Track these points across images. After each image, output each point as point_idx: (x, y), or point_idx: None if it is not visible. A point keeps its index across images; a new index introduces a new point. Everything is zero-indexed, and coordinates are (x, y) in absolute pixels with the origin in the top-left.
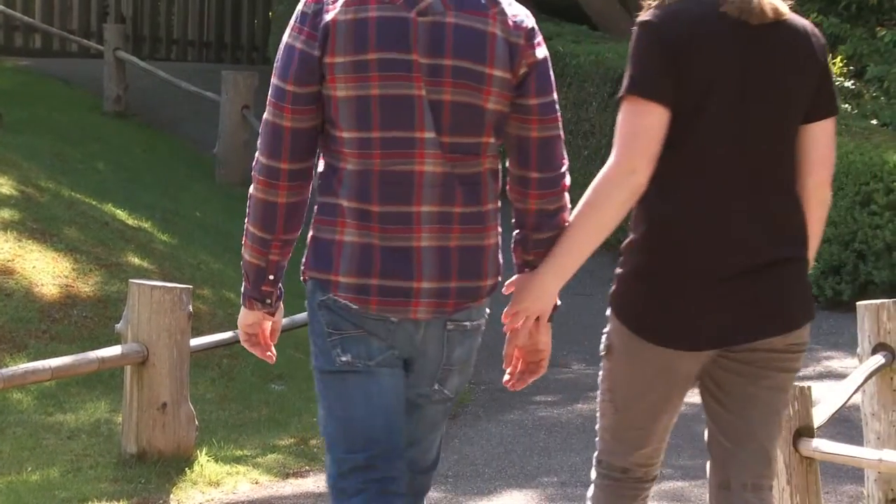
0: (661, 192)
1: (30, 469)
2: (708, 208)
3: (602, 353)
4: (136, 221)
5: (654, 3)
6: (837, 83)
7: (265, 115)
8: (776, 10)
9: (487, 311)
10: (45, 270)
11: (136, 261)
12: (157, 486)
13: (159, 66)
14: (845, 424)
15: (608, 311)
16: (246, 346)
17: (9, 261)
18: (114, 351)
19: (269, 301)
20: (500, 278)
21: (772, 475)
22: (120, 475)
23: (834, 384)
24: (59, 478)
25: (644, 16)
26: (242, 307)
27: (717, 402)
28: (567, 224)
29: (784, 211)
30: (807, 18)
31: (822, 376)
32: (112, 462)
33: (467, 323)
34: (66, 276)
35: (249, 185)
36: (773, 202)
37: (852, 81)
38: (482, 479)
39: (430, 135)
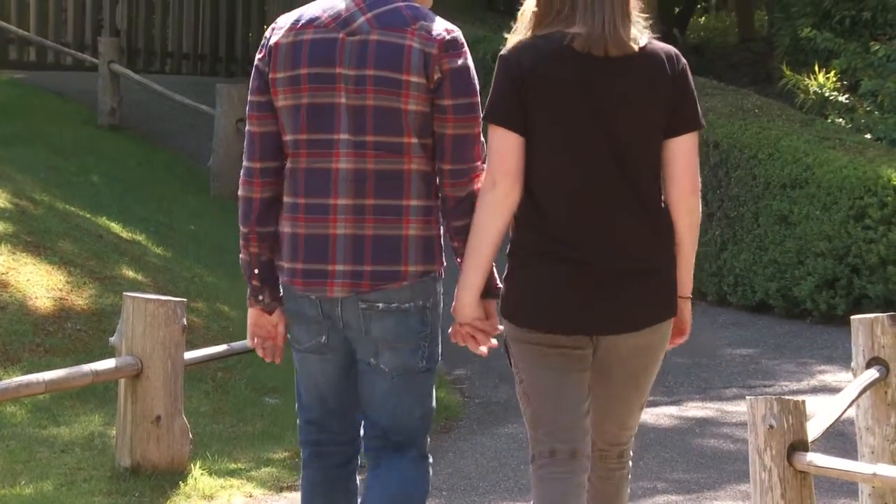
0: (525, 204)
1: (23, 482)
2: (557, 221)
3: (504, 352)
4: (130, 234)
5: (514, 37)
6: (831, 97)
7: (246, 125)
8: (623, 48)
9: (425, 299)
10: (39, 283)
11: (130, 274)
12: (151, 499)
13: (154, 79)
14: (840, 439)
15: (500, 311)
16: (258, 350)
17: (3, 274)
18: (108, 364)
19: (261, 297)
20: (434, 266)
21: (624, 450)
22: (114, 488)
23: (828, 398)
24: (52, 491)
25: (503, 50)
26: (250, 309)
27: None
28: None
29: (636, 229)
30: (801, 33)
31: (816, 390)
32: (106, 475)
33: (380, 304)
34: (61, 289)
35: None
36: (624, 219)
37: (846, 96)
38: (477, 493)
39: (345, 136)
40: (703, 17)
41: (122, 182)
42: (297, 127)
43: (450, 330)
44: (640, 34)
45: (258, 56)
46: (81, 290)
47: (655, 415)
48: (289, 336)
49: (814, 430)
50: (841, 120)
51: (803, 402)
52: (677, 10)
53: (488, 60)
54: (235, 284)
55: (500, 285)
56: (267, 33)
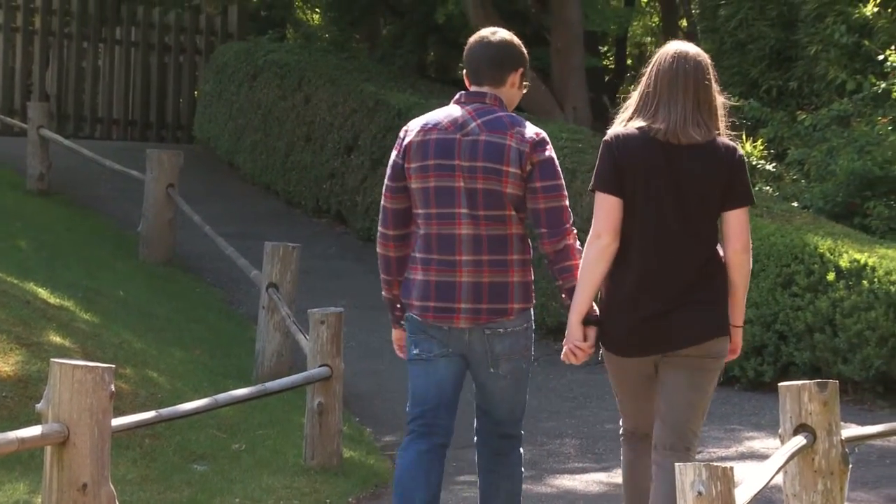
0: (616, 258)
1: None
2: (638, 268)
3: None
4: (57, 300)
5: (615, 127)
6: (759, 166)
7: (382, 201)
8: (689, 138)
9: (526, 322)
10: None
11: (57, 340)
12: None
13: (84, 144)
14: None
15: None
16: (400, 354)
17: None
18: (34, 431)
19: (402, 322)
20: (530, 303)
21: (691, 442)
22: None
23: (756, 465)
24: None
25: (606, 136)
26: (393, 330)
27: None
28: (574, 263)
29: (696, 269)
30: (729, 100)
31: (744, 457)
32: None
33: (500, 329)
34: None
35: (173, 265)
36: (688, 264)
37: (773, 164)
38: None
39: (464, 210)
40: (633, 86)
41: (50, 247)
42: (428, 203)
43: (562, 354)
44: (710, 130)
45: (395, 151)
46: (8, 357)
47: (585, 481)
48: (415, 350)
49: (742, 496)
50: (768, 188)
51: (731, 468)
52: (607, 78)
53: None
54: (164, 350)
55: (597, 314)
56: (401, 134)
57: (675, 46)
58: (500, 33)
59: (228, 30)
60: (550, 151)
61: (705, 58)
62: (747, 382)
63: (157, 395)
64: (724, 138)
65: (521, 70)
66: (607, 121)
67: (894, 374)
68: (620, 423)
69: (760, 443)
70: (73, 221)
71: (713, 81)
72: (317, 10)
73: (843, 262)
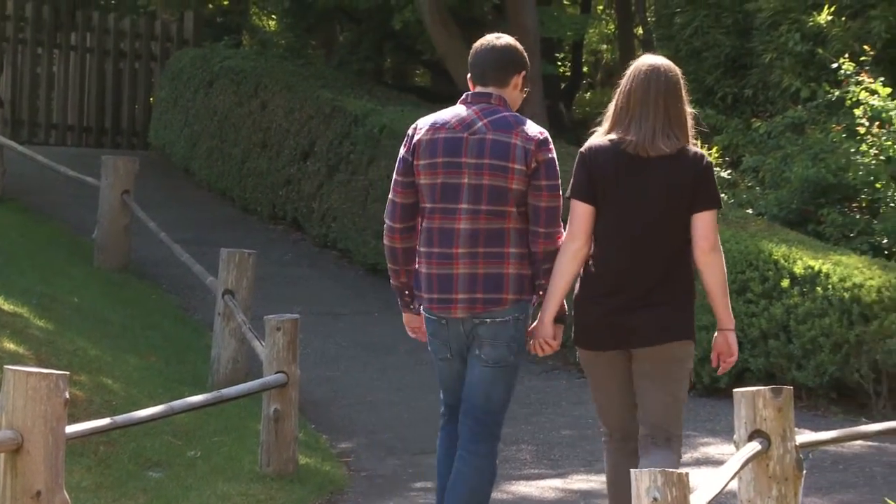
0: (590, 259)
1: None
2: (610, 269)
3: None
4: (12, 307)
5: (592, 139)
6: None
7: (389, 195)
8: (658, 151)
9: (518, 314)
10: None
11: (11, 347)
12: None
13: (38, 150)
14: None
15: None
16: (412, 335)
17: None
18: None
19: (412, 306)
20: (524, 295)
21: (673, 435)
22: None
23: (711, 471)
24: None
25: (582, 148)
26: (403, 314)
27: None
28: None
29: (667, 271)
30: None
31: (699, 463)
32: None
33: (488, 319)
34: None
35: (128, 271)
36: (657, 265)
37: (728, 171)
38: None
39: (465, 205)
40: (589, 93)
41: (3, 254)
42: (434, 198)
43: (529, 341)
44: (680, 141)
45: (403, 149)
46: None
47: (541, 488)
48: (430, 347)
49: (697, 502)
50: (724, 195)
51: (687, 474)
52: (563, 85)
53: (376, 133)
54: (119, 357)
55: (567, 314)
56: (410, 132)
57: (649, 61)
58: (505, 38)
59: (184, 36)
60: (553, 152)
61: (676, 72)
62: (702, 388)
63: (112, 402)
64: (693, 147)
65: (523, 73)
66: (563, 127)
67: (848, 380)
68: (601, 429)
69: (716, 448)
70: (28, 228)
71: (684, 94)
72: (273, 16)
73: (798, 269)
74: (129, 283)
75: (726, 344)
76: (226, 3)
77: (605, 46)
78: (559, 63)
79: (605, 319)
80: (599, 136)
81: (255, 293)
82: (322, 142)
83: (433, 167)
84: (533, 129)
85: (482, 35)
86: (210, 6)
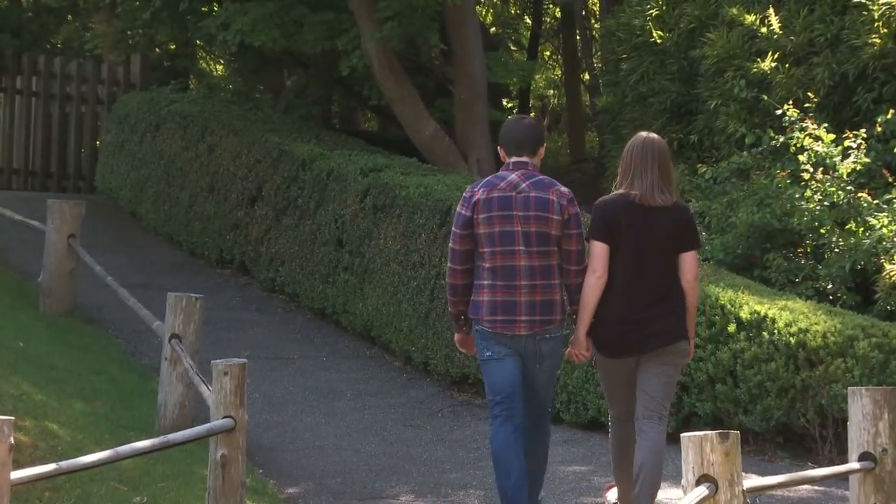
0: (606, 287)
1: None
2: (620, 293)
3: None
4: None
5: (606, 196)
6: None
7: (450, 244)
8: (660, 202)
9: (563, 331)
10: None
11: None
12: None
13: None
14: None
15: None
16: (461, 349)
17: None
18: None
19: (465, 329)
20: (564, 315)
21: (663, 414)
22: None
23: None
24: None
25: (597, 202)
26: (456, 335)
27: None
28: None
29: (664, 295)
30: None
31: None
32: None
33: (547, 335)
34: None
35: (74, 316)
36: (658, 290)
37: None
38: None
39: (522, 248)
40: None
41: None
42: (493, 243)
43: (566, 351)
44: (671, 196)
45: (463, 207)
46: None
47: None
48: (488, 353)
49: None
50: None
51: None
52: None
53: (323, 178)
54: (65, 402)
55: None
56: (466, 194)
57: (644, 136)
58: (529, 118)
59: (131, 80)
60: (577, 206)
61: (664, 143)
62: None
63: (58, 448)
64: (681, 201)
65: (545, 144)
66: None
67: (794, 424)
68: (609, 410)
69: (663, 493)
70: None
71: (670, 160)
72: (220, 60)
73: (744, 314)
74: (75, 327)
75: (692, 347)
76: (173, 47)
77: (551, 92)
78: (506, 108)
79: (624, 334)
80: (612, 193)
81: (202, 337)
82: (270, 186)
83: (490, 220)
84: (563, 189)
85: (430, 80)
86: (157, 50)
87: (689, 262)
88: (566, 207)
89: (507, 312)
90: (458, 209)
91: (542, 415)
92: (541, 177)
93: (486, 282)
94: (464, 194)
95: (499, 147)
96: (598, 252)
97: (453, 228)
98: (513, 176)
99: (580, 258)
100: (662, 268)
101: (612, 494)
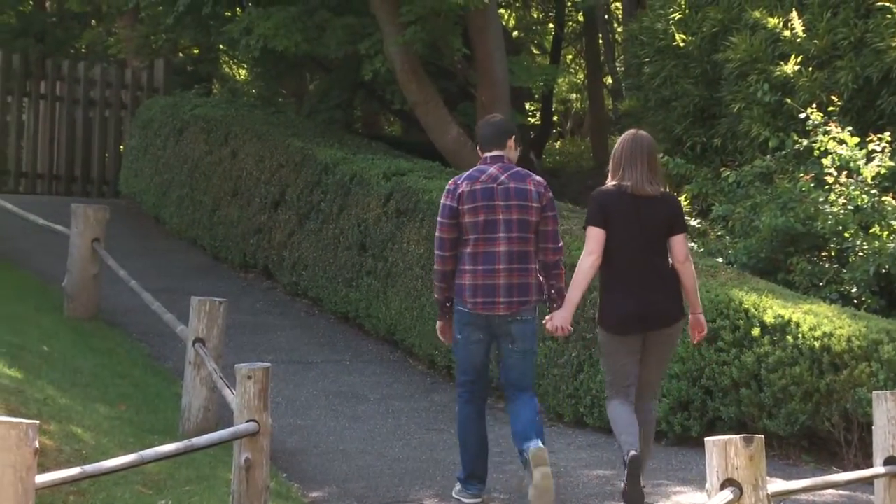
0: (604, 268)
1: None
2: (621, 275)
3: (599, 343)
4: None
5: (600, 188)
6: None
7: (437, 233)
8: (648, 191)
9: (535, 312)
10: None
11: None
12: None
13: (8, 198)
14: None
15: (597, 322)
16: (441, 337)
17: None
18: None
19: (448, 316)
20: (541, 296)
21: (657, 394)
22: None
23: None
24: None
25: (594, 193)
26: (438, 322)
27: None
28: (562, 272)
29: (661, 275)
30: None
31: None
32: None
33: (519, 317)
34: None
35: (98, 320)
36: (655, 272)
37: (698, 220)
38: None
39: (502, 234)
40: (559, 142)
41: None
42: (477, 231)
43: (547, 325)
44: (658, 187)
45: (448, 198)
46: None
47: None
48: (459, 336)
49: None
50: (693, 244)
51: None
52: (533, 134)
53: (346, 181)
54: (89, 406)
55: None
56: (450, 186)
57: (633, 132)
58: (498, 117)
59: (154, 84)
60: (550, 191)
61: (652, 139)
62: (674, 437)
63: (82, 452)
64: (668, 192)
65: (513, 136)
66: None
67: (819, 429)
68: (607, 391)
69: (687, 497)
70: None
71: (657, 155)
72: (243, 65)
73: (768, 318)
74: (99, 331)
75: (699, 322)
76: (196, 51)
77: (574, 96)
78: (529, 112)
79: (631, 313)
80: (605, 185)
81: (225, 341)
82: (292, 190)
83: (475, 210)
84: (537, 178)
85: (452, 84)
86: (180, 55)
87: (678, 244)
88: (543, 194)
89: (487, 294)
90: (443, 201)
91: (521, 391)
92: (517, 168)
93: (468, 266)
94: (448, 186)
95: (477, 146)
96: (594, 236)
97: (439, 219)
98: (492, 169)
99: (556, 237)
100: (655, 251)
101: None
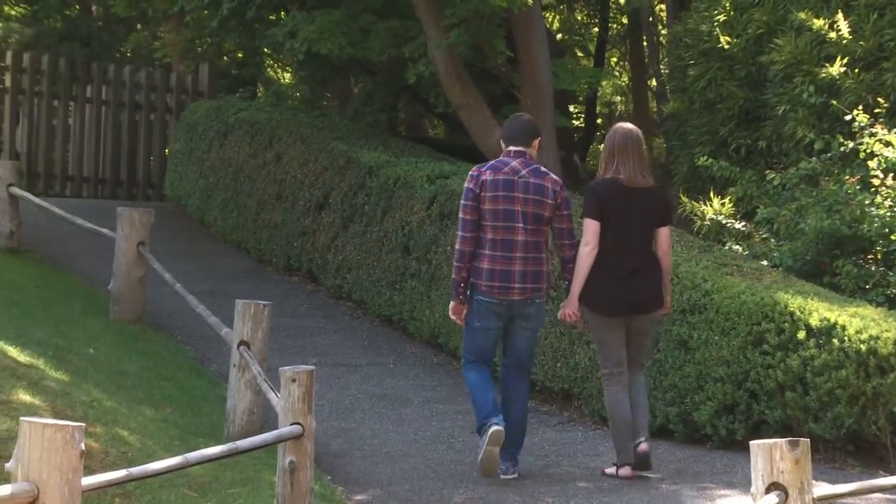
0: (598, 257)
1: None
2: (613, 262)
3: (586, 323)
4: (27, 358)
5: (596, 180)
6: (728, 224)
7: (460, 215)
8: (641, 183)
9: (545, 300)
10: None
11: (27, 398)
12: None
13: (54, 202)
14: None
15: (583, 303)
16: (453, 317)
17: None
18: (3, 490)
19: (462, 297)
20: (549, 284)
21: (643, 368)
22: None
23: None
24: None
25: (591, 185)
26: (452, 302)
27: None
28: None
29: (648, 264)
30: (697, 161)
31: None
32: None
33: (533, 300)
34: None
35: (143, 322)
36: (643, 261)
37: (743, 223)
38: None
39: (520, 224)
40: (603, 145)
41: (19, 305)
42: (496, 218)
43: (560, 312)
44: (649, 179)
45: (471, 182)
46: None
47: None
48: (478, 324)
49: None
50: (738, 247)
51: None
52: (577, 137)
53: (390, 185)
54: (134, 409)
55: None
56: (474, 172)
57: (623, 126)
58: (526, 116)
59: (199, 88)
60: (566, 190)
61: (640, 132)
62: (719, 441)
63: (128, 454)
64: (657, 184)
65: (539, 138)
66: (578, 178)
67: (865, 432)
68: (603, 368)
69: (732, 501)
70: (44, 279)
71: (644, 146)
72: (287, 68)
73: (814, 321)
74: (144, 334)
75: (665, 304)
76: (241, 55)
77: (618, 98)
78: (573, 115)
79: (618, 297)
80: (599, 177)
81: (270, 344)
82: (337, 193)
83: (495, 198)
84: (555, 177)
85: (496, 87)
86: (225, 59)
87: (664, 235)
88: (559, 193)
89: (504, 280)
90: (466, 184)
91: (521, 373)
92: (536, 165)
93: (486, 251)
94: (471, 172)
95: (501, 140)
96: (592, 228)
97: (462, 201)
98: (514, 163)
99: (571, 234)
100: (644, 240)
101: (610, 469)
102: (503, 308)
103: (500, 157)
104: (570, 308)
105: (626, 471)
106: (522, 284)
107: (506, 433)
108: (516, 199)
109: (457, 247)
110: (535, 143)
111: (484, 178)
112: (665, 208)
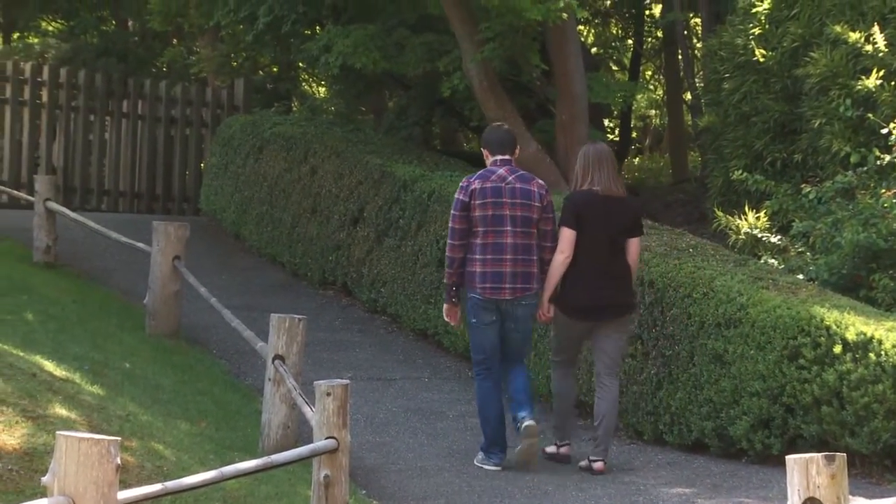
0: (571, 261)
1: None
2: (585, 270)
3: (553, 319)
4: (64, 373)
5: (573, 191)
6: (763, 238)
7: (450, 224)
8: (616, 192)
9: (536, 300)
10: None
11: (63, 412)
12: None
13: (90, 216)
14: None
15: (555, 306)
16: (447, 318)
17: None
18: None
19: (455, 300)
20: (539, 284)
21: (619, 373)
22: None
23: None
24: None
25: (567, 195)
26: (445, 305)
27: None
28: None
29: (619, 272)
30: (732, 175)
31: None
32: None
33: (524, 301)
34: None
35: (179, 337)
36: (614, 269)
37: (778, 237)
38: None
39: (509, 228)
40: (638, 158)
41: (56, 320)
42: (487, 224)
43: (539, 314)
44: (622, 190)
45: (462, 194)
46: (13, 430)
47: None
48: (475, 320)
49: None
50: (773, 260)
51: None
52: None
53: (425, 199)
54: (170, 423)
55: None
56: (464, 184)
57: (590, 144)
58: (506, 126)
59: (234, 102)
60: (551, 194)
61: (609, 148)
62: (755, 455)
63: (163, 468)
64: (631, 195)
65: (517, 147)
66: None
67: None
68: (553, 356)
69: None
70: (80, 294)
71: (616, 164)
72: (322, 83)
73: (850, 335)
74: (179, 348)
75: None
76: (276, 70)
77: (653, 112)
78: (608, 129)
79: (589, 304)
80: (576, 188)
81: (305, 358)
82: (371, 207)
83: (485, 205)
84: (540, 181)
85: (531, 101)
86: (260, 73)
87: (634, 246)
88: (544, 196)
89: (495, 281)
90: (456, 196)
91: (516, 362)
92: (522, 171)
93: (478, 256)
94: (461, 184)
95: (482, 148)
96: (567, 237)
97: (453, 211)
98: (501, 171)
99: (553, 237)
100: (617, 249)
101: (551, 448)
102: (496, 305)
103: (487, 167)
104: (542, 309)
105: (599, 465)
106: (513, 284)
107: (514, 396)
108: (505, 205)
109: (447, 254)
110: (516, 151)
111: (473, 187)
112: (637, 220)
